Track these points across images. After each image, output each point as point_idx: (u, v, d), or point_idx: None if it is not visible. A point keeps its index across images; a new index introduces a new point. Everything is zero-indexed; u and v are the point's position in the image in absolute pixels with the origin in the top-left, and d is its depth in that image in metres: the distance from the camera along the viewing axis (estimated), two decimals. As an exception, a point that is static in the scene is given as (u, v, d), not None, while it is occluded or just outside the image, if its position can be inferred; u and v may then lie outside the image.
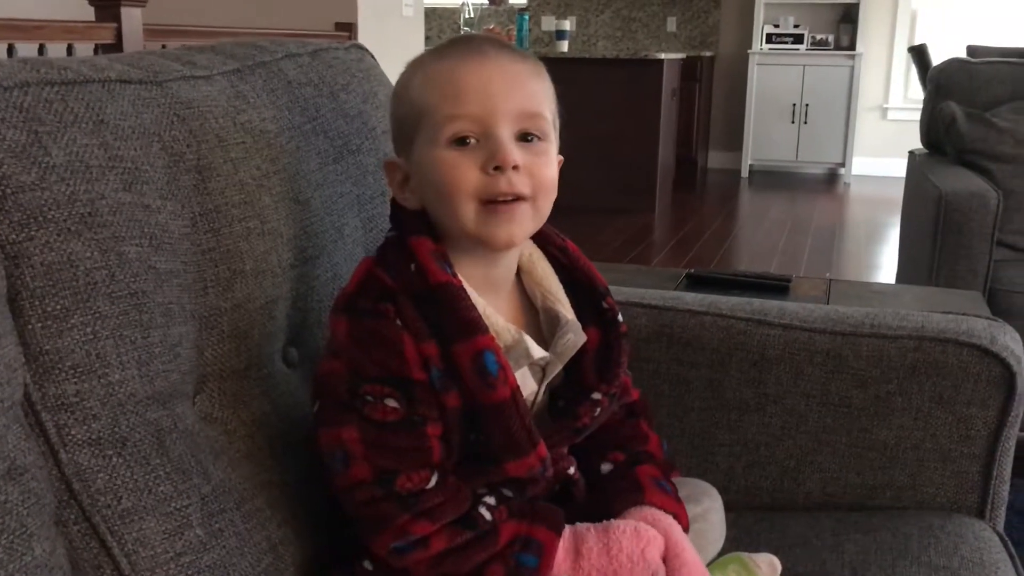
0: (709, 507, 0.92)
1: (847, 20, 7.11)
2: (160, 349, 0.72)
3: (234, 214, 0.84)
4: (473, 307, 0.76)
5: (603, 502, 0.86)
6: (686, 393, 1.11)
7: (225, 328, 0.82)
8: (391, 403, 0.75)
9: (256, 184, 0.87)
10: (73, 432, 0.65)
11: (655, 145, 5.70)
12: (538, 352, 0.81)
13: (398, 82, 0.82)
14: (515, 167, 0.75)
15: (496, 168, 0.75)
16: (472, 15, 7.25)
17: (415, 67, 0.80)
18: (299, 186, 0.93)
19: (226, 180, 0.83)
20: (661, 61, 5.61)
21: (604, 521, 0.82)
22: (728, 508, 1.05)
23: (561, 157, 0.85)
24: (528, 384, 0.82)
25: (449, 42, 0.80)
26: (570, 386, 0.86)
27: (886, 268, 4.57)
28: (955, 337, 1.02)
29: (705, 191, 6.97)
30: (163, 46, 3.02)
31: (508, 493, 0.81)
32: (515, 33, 6.09)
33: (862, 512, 1.06)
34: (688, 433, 1.12)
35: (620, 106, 5.64)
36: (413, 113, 0.78)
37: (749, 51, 7.24)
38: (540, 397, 0.84)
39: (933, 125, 2.66)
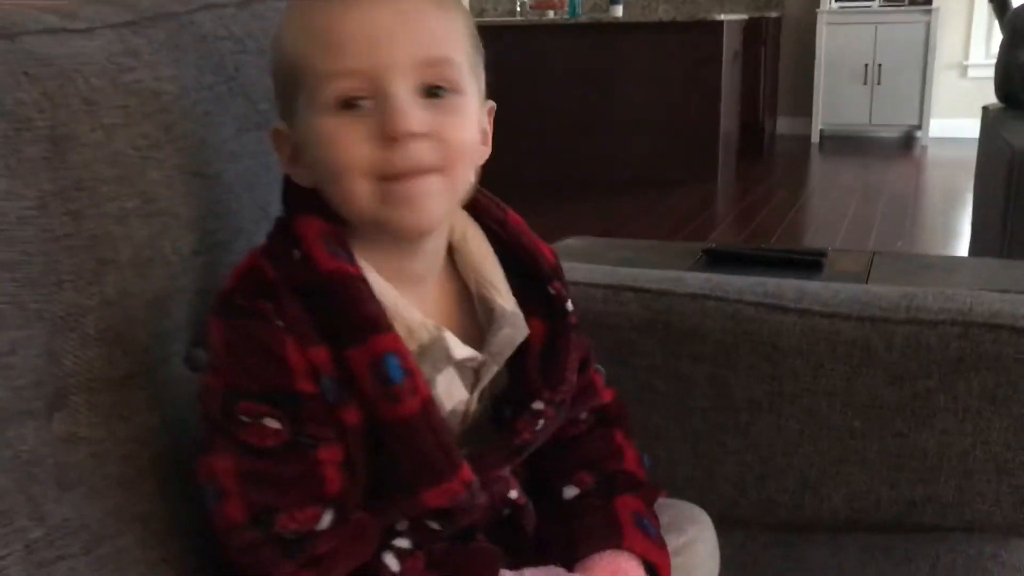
0: (695, 537, 0.76)
1: (923, -27, 6.71)
2: (-24, 361, 0.59)
3: (104, 192, 0.70)
4: (372, 300, 0.61)
5: (567, 539, 0.70)
6: (687, 392, 0.94)
7: (91, 330, 0.68)
8: (271, 423, 0.60)
9: (140, 156, 0.73)
10: None
11: (716, 112, 5.45)
12: (462, 351, 0.65)
13: (276, 29, 0.67)
14: (415, 134, 0.59)
15: (390, 138, 0.59)
16: (525, -18, 7.05)
17: (290, 10, 0.65)
18: (205, 157, 0.79)
19: (93, 151, 0.69)
20: (721, 23, 5.35)
21: (563, 571, 0.67)
22: (737, 527, 0.89)
23: (492, 104, 0.69)
24: (456, 391, 0.67)
25: None
26: (516, 392, 0.70)
27: (966, 235, 4.27)
28: (1010, 322, 0.83)
29: (772, 159, 6.68)
30: None
31: (434, 526, 0.66)
32: None
33: (898, 534, 0.88)
34: (690, 439, 0.95)
35: (678, 72, 5.40)
36: (289, 70, 0.63)
37: (818, 10, 6.88)
38: (474, 406, 0.68)
39: (1009, 76, 2.40)
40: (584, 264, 1.03)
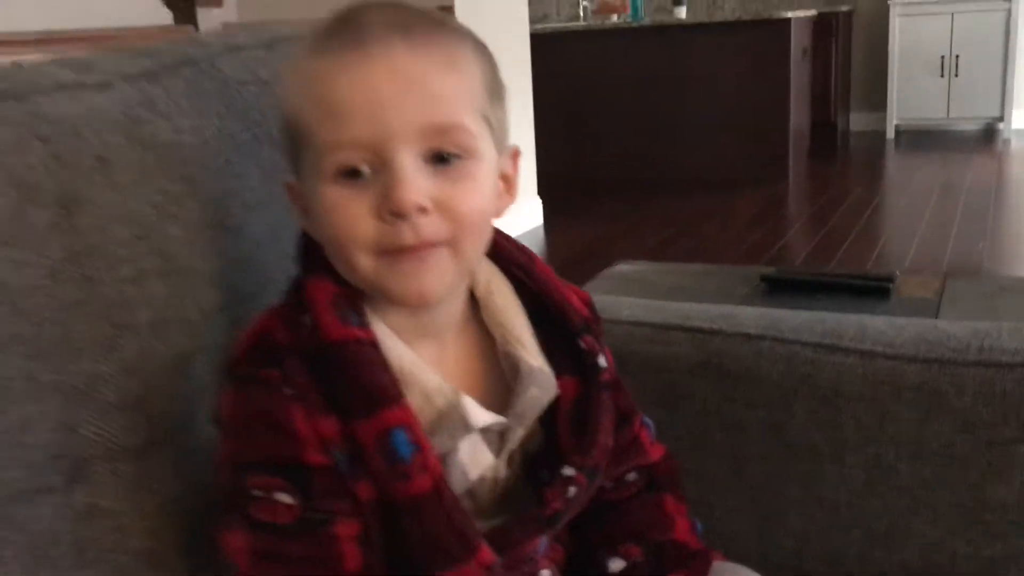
0: (749, 607, 0.70)
1: (1001, -41, 6.46)
2: (-17, 443, 0.57)
3: (119, 255, 0.67)
4: (382, 369, 0.58)
5: None
6: (742, 439, 0.89)
7: (110, 398, 0.66)
8: (283, 498, 0.57)
9: (158, 213, 0.71)
10: None
11: (785, 111, 5.33)
12: (483, 418, 0.61)
13: (281, 82, 0.64)
14: (420, 208, 0.56)
15: (392, 213, 0.55)
16: (589, -14, 7.00)
17: (291, 65, 0.61)
18: (228, 209, 0.77)
19: (107, 212, 0.67)
20: (788, 20, 5.23)
21: None
22: (801, 583, 0.83)
23: (516, 148, 0.64)
24: (482, 457, 0.63)
25: (331, 23, 0.59)
26: (551, 454, 0.66)
27: (1052, 234, 4.09)
28: (1098, 365, 0.76)
29: (846, 157, 6.50)
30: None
31: (464, 604, 0.62)
32: (630, 2, 5.81)
33: (977, 593, 0.81)
34: (747, 488, 0.89)
35: (745, 72, 5.30)
36: (294, 131, 0.60)
37: (890, 2, 6.67)
38: (503, 472, 0.64)
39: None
40: (629, 299, 0.98)
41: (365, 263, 0.57)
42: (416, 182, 0.55)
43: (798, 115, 5.55)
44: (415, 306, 0.59)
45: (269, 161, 0.81)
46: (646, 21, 5.76)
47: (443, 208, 0.56)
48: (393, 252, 0.56)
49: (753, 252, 3.99)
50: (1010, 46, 6.39)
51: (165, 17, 2.76)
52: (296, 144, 0.60)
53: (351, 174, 0.56)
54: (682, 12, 5.68)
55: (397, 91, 0.55)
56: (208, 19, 2.76)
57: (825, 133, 6.48)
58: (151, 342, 0.68)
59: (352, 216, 0.56)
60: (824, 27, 6.27)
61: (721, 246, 4.18)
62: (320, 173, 0.57)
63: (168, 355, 0.70)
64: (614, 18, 6.06)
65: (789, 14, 5.27)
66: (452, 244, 0.57)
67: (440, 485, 0.58)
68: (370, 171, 0.56)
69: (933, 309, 1.20)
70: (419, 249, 0.56)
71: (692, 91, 5.41)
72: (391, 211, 0.55)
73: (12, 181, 0.62)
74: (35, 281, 0.62)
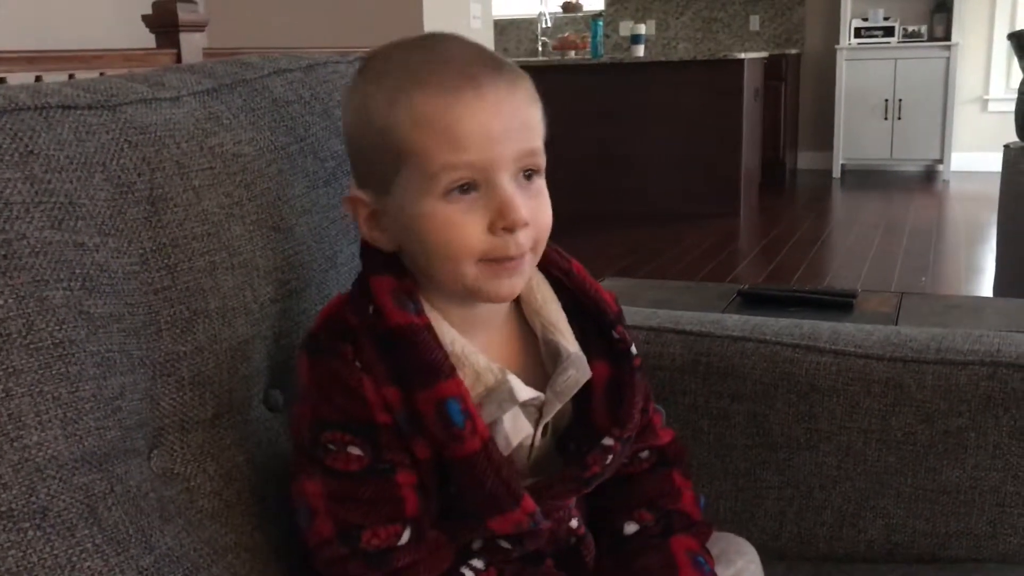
0: (742, 568, 0.81)
1: (941, 10, 6.78)
2: (92, 404, 0.64)
3: (195, 248, 0.76)
4: (436, 349, 0.67)
5: (626, 573, 0.75)
6: (727, 429, 0.99)
7: (185, 374, 0.74)
8: (354, 451, 0.67)
9: (225, 213, 0.79)
10: (-23, 505, 0.58)
11: (738, 148, 5.52)
12: (526, 393, 0.70)
13: (358, 103, 0.70)
14: (526, 224, 0.66)
15: (504, 228, 0.66)
16: (548, 24, 7.19)
17: (391, 93, 0.67)
18: (280, 213, 0.85)
19: (185, 211, 0.76)
20: (741, 61, 5.43)
21: None
22: (779, 558, 0.94)
23: None
24: (521, 427, 0.72)
25: (428, 64, 0.67)
26: (580, 427, 0.76)
27: (989, 271, 4.30)
28: (1037, 363, 0.88)
29: (794, 194, 6.73)
30: (224, 69, 3.01)
31: (505, 545, 0.72)
32: (590, 39, 5.98)
33: (934, 564, 0.92)
34: (731, 474, 1.00)
35: (700, 109, 5.48)
36: (393, 150, 0.67)
37: (837, 47, 6.97)
38: (538, 440, 0.74)
39: (1029, 116, 2.45)
40: (624, 306, 1.08)
41: (471, 271, 0.66)
42: (521, 203, 0.66)
43: (750, 152, 5.75)
44: (499, 302, 0.69)
45: (312, 172, 0.90)
46: (605, 58, 5.93)
47: (532, 222, 0.67)
48: (497, 261, 0.66)
49: (708, 282, 4.13)
50: (949, 92, 6.71)
51: (148, 40, 2.83)
52: (389, 162, 0.67)
53: (464, 190, 0.65)
54: (640, 51, 5.87)
55: (504, 123, 0.65)
56: (189, 43, 2.83)
57: (774, 170, 6.71)
58: (219, 327, 0.77)
59: (465, 230, 0.65)
60: (774, 68, 6.51)
61: (675, 277, 4.32)
62: (429, 191, 0.65)
63: (232, 339, 0.78)
64: (572, 54, 6.23)
65: (742, 55, 5.48)
66: (533, 249, 0.68)
67: (489, 446, 0.67)
68: (475, 190, 0.66)
69: (892, 321, 1.33)
70: (517, 257, 0.66)
71: (650, 128, 5.58)
72: (504, 227, 0.65)
73: (110, 180, 0.71)
74: (130, 267, 0.70)
